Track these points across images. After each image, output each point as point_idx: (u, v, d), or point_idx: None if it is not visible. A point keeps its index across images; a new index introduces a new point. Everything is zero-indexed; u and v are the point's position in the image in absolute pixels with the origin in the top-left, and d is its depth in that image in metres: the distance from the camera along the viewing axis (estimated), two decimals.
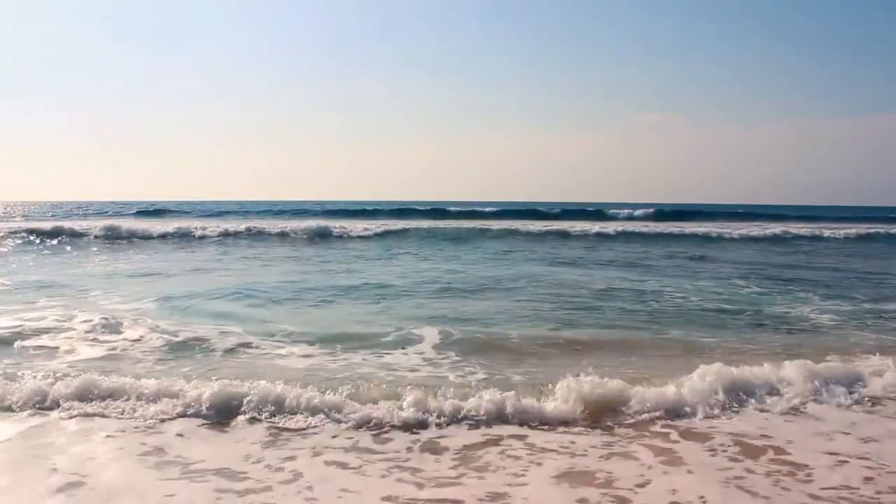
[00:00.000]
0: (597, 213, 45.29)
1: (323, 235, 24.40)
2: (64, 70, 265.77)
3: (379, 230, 25.58)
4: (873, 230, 29.31)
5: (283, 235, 24.53)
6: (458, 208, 47.10)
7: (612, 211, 46.10)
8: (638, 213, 44.75)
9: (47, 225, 26.30)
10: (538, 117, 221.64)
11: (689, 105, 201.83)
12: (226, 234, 24.41)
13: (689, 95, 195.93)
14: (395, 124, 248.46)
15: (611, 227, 28.50)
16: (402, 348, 7.23)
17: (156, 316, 8.83)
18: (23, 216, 45.11)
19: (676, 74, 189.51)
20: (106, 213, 48.60)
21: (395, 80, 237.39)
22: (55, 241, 22.18)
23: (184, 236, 23.92)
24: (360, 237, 24.37)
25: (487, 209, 46.51)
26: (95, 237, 23.49)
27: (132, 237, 23.43)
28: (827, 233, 28.00)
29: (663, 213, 45.23)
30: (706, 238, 25.96)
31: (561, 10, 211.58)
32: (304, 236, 24.25)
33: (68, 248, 20.63)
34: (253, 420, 4.88)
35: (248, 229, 25.40)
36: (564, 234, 26.54)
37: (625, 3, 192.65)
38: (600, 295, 11.25)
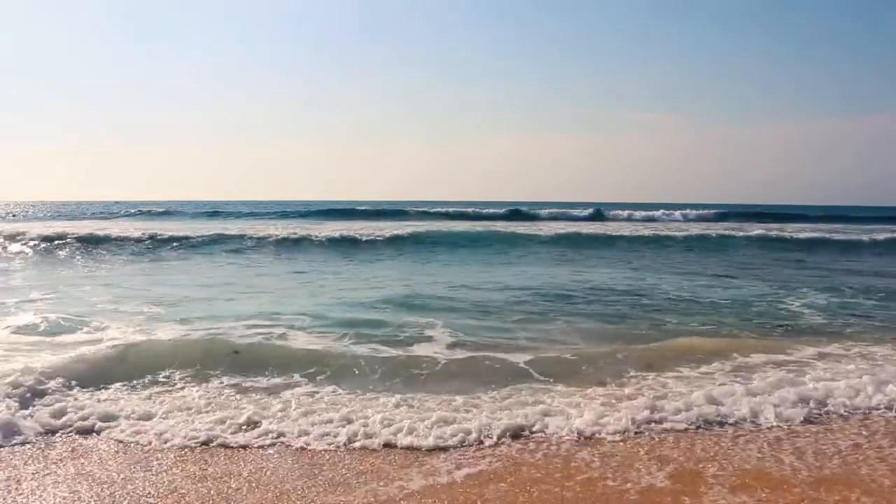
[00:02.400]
0: (597, 213, 45.51)
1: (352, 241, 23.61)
2: (63, 69, 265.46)
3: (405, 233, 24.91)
4: None
5: (308, 241, 23.42)
6: (475, 209, 47.18)
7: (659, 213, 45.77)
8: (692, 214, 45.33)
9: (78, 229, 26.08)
10: (538, 117, 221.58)
11: (690, 105, 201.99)
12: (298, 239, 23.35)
13: (690, 95, 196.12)
14: (395, 124, 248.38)
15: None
16: None
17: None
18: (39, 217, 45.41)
19: (676, 74, 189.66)
20: (102, 214, 48.98)
21: (394, 80, 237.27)
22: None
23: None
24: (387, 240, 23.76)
25: (492, 210, 46.82)
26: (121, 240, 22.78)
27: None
28: None
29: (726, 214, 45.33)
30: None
31: (561, 10, 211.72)
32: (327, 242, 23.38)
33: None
34: None
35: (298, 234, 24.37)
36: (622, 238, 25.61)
37: (626, 3, 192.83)
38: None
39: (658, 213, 44.84)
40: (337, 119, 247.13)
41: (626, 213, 45.74)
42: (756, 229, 28.36)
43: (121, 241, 22.17)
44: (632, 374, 6.57)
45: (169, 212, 49.11)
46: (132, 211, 50.88)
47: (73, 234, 23.01)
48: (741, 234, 26.71)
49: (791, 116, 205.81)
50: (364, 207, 50.07)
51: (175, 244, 21.74)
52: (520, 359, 7.03)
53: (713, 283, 13.48)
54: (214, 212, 48.87)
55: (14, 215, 49.45)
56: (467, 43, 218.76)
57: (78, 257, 18.93)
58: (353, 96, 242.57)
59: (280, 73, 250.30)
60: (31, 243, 21.39)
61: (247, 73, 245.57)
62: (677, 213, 46.14)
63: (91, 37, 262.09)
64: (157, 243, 21.89)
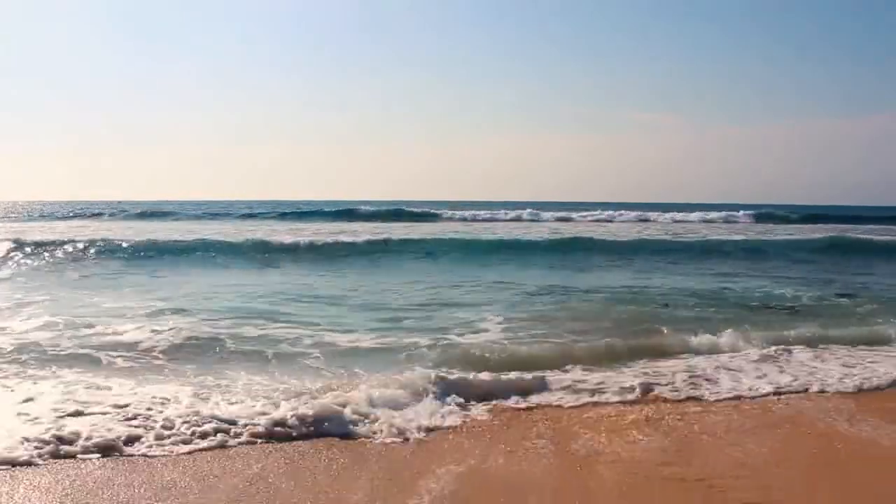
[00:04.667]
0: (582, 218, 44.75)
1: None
2: (63, 69, 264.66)
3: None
4: None
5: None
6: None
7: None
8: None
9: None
10: (538, 117, 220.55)
11: (690, 105, 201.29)
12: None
13: (690, 95, 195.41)
14: (395, 124, 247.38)
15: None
16: None
17: None
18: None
19: (676, 74, 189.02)
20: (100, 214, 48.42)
21: (394, 80, 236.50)
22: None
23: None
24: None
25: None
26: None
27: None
28: None
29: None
30: None
31: (561, 10, 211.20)
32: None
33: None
34: None
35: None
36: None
37: (626, 3, 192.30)
38: None
39: (717, 215, 43.80)
40: (337, 119, 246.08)
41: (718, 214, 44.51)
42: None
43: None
44: None
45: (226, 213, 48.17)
46: (141, 211, 50.07)
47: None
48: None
49: (791, 116, 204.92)
50: (368, 208, 49.38)
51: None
52: None
53: None
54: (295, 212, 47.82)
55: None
56: (467, 43, 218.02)
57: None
58: (353, 96, 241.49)
59: (280, 73, 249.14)
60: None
61: (247, 73, 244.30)
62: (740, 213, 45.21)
63: (91, 37, 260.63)
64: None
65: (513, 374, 6.78)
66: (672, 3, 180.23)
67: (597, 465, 4.60)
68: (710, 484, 4.26)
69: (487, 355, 7.55)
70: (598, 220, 42.06)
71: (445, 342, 8.36)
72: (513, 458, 4.74)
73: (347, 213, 44.99)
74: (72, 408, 5.49)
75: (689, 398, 6.35)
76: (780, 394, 6.43)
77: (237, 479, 4.38)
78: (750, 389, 6.53)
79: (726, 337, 8.44)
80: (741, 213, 46.57)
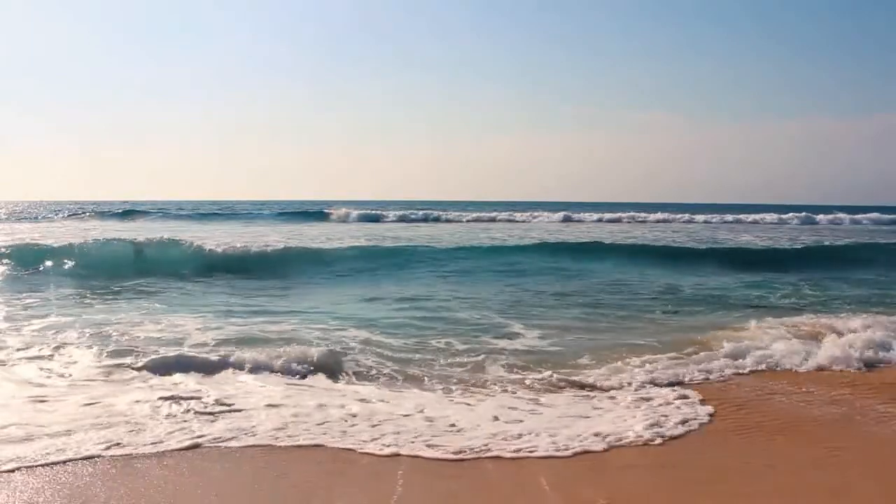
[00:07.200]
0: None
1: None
2: (63, 69, 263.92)
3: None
4: None
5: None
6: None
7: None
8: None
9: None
10: (538, 117, 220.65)
11: (690, 105, 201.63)
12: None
13: (690, 95, 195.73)
14: (395, 125, 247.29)
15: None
16: None
17: None
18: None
19: (676, 74, 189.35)
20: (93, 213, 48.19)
21: (394, 80, 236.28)
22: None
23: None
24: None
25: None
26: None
27: None
28: None
29: None
30: None
31: (561, 10, 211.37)
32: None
33: None
34: None
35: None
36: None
37: (626, 3, 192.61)
38: None
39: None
40: (337, 119, 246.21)
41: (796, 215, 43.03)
42: None
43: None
44: None
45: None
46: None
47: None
48: None
49: (791, 116, 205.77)
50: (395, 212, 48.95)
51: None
52: None
53: None
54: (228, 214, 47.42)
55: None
56: (467, 43, 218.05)
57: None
58: (353, 96, 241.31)
59: (280, 73, 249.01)
60: None
61: (247, 73, 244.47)
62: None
63: (91, 37, 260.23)
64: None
65: None
66: (672, 3, 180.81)
67: None
68: None
69: None
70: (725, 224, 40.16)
71: None
72: None
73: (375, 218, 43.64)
74: None
75: None
76: None
77: None
78: None
79: None
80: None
